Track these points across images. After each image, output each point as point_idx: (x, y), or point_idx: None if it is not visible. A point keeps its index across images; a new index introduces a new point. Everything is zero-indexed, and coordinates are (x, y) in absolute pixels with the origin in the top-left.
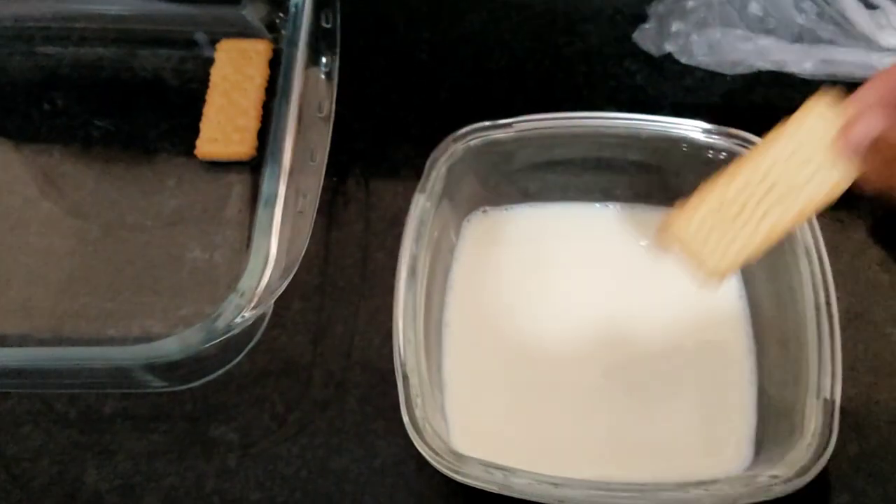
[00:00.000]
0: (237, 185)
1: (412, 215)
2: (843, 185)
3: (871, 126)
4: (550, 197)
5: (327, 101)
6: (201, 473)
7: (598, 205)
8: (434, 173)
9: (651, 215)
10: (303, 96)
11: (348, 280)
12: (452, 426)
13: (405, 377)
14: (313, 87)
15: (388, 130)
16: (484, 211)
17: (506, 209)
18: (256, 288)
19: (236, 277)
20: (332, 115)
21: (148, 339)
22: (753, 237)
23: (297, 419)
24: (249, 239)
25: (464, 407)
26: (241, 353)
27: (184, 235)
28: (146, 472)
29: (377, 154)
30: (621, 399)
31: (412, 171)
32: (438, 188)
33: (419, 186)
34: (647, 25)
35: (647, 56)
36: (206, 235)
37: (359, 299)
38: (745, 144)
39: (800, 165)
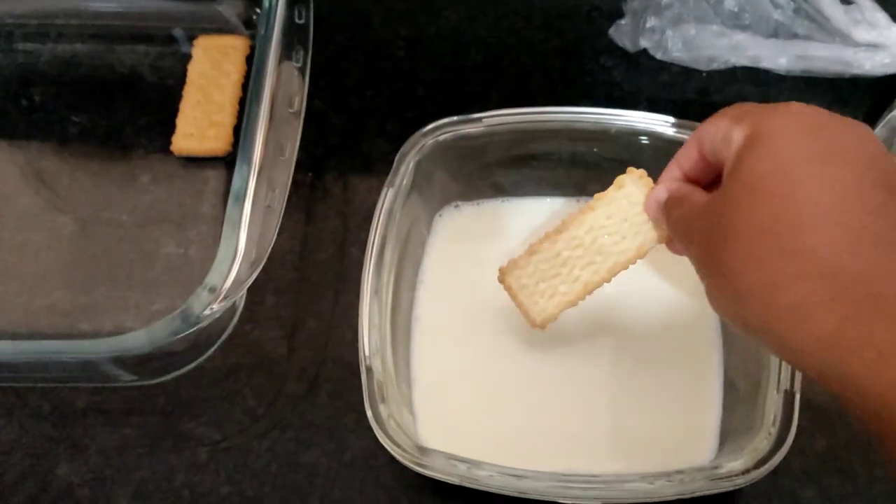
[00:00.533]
0: (212, 180)
1: (379, 210)
2: (647, 247)
3: (660, 192)
4: (524, 192)
5: (299, 97)
6: (172, 467)
7: (571, 199)
8: (403, 168)
9: None
10: (275, 92)
11: (322, 275)
12: (420, 420)
13: (368, 370)
14: (286, 82)
15: (365, 126)
16: (456, 206)
17: (478, 204)
18: (224, 281)
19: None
20: (304, 110)
21: (120, 333)
22: (570, 293)
23: (268, 414)
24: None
25: (431, 401)
26: (212, 347)
27: (158, 231)
28: (117, 465)
29: (353, 149)
30: (589, 392)
31: (387, 167)
32: (407, 183)
33: (388, 181)
34: (622, 21)
35: (622, 52)
36: (180, 231)
37: (333, 294)
38: None
39: (615, 228)
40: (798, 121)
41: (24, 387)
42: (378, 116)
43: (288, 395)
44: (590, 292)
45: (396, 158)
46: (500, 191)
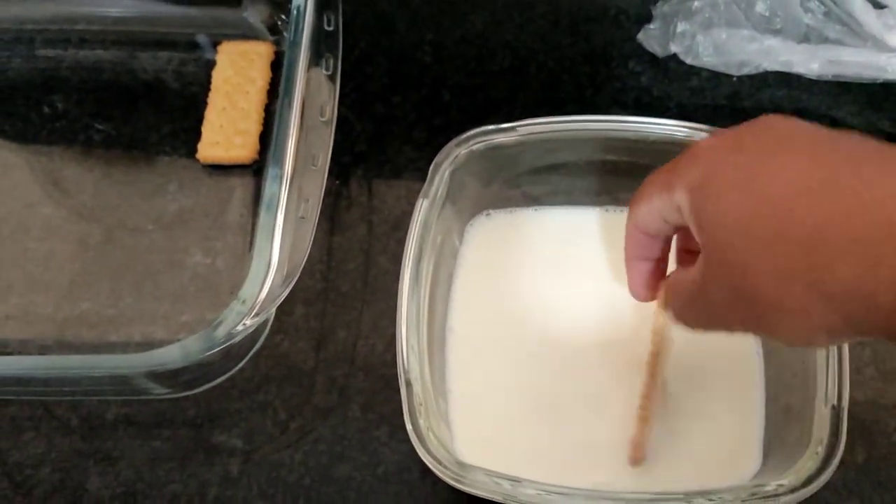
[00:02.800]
0: (239, 188)
1: (415, 220)
2: (663, 330)
3: (636, 290)
4: (555, 200)
5: (329, 105)
6: (204, 481)
7: (603, 208)
8: (437, 178)
9: None
10: (305, 99)
11: (351, 285)
12: (456, 434)
13: (408, 385)
14: (315, 90)
15: (390, 132)
16: (487, 214)
17: (509, 212)
18: (258, 295)
19: (238, 283)
20: (335, 118)
21: (150, 345)
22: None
23: (299, 426)
24: (251, 244)
25: (468, 414)
26: (243, 359)
27: (185, 240)
28: (149, 479)
29: (379, 156)
30: (628, 406)
31: (415, 174)
32: (442, 193)
33: (422, 191)
34: (651, 26)
35: (651, 57)
36: (207, 240)
37: (361, 304)
38: None
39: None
40: (717, 155)
41: (53, 400)
42: (404, 123)
43: (319, 407)
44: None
45: (431, 169)
46: (531, 199)
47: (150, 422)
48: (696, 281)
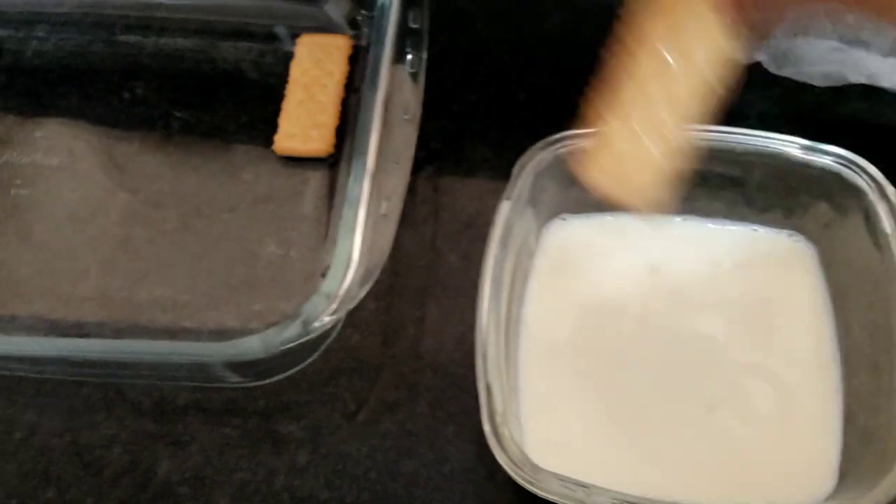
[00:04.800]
0: (313, 181)
1: (497, 222)
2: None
3: None
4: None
5: (413, 104)
6: (272, 469)
7: (682, 217)
8: (521, 180)
9: (733, 233)
10: (388, 97)
11: (421, 281)
12: (527, 436)
13: (488, 389)
14: (399, 87)
15: (466, 130)
16: (563, 218)
17: (586, 217)
18: (339, 290)
19: (311, 275)
20: (419, 117)
21: (222, 332)
22: (667, 141)
23: (367, 419)
24: (326, 237)
25: (539, 415)
26: (316, 351)
27: (259, 230)
28: (217, 465)
29: (454, 154)
30: (702, 418)
31: (488, 173)
32: (525, 195)
33: (505, 193)
34: None
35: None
36: (281, 231)
37: (432, 301)
38: (846, 163)
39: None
40: None
41: (127, 383)
42: (480, 121)
43: (387, 402)
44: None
45: (514, 170)
46: (606, 206)
47: (221, 409)
48: None
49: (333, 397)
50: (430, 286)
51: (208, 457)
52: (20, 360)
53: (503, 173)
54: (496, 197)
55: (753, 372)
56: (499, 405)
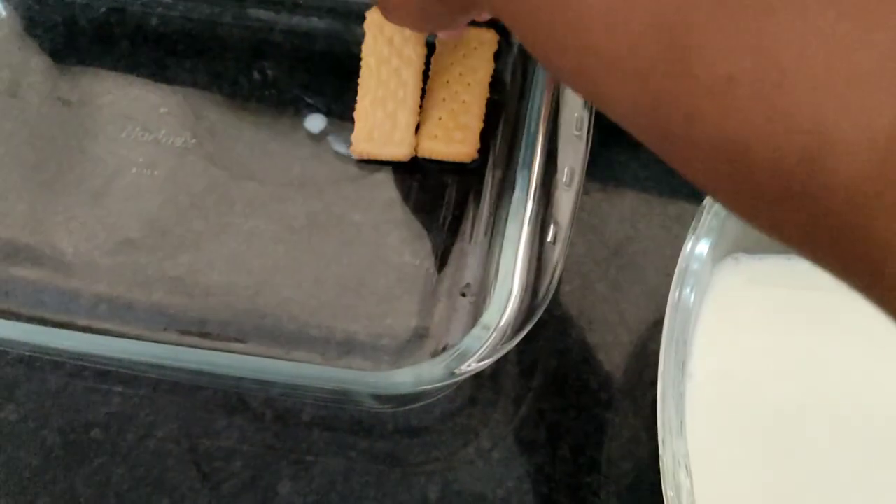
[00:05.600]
0: (453, 187)
1: (682, 265)
2: None
3: None
4: None
5: (586, 118)
6: (401, 503)
7: None
8: (708, 216)
9: None
10: (554, 108)
11: (565, 310)
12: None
13: (674, 458)
14: (568, 97)
15: (618, 147)
16: (735, 258)
17: (760, 258)
18: (498, 326)
19: (449, 292)
20: (591, 133)
21: (351, 344)
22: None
23: (503, 458)
24: (467, 254)
25: (710, 480)
26: (456, 384)
27: (393, 237)
28: (342, 491)
29: (604, 172)
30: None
31: (641, 194)
32: (712, 234)
33: (692, 227)
34: None
35: None
36: (417, 240)
37: (577, 332)
38: None
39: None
40: None
41: (251, 392)
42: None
43: (525, 441)
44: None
45: (704, 206)
46: (782, 247)
47: (347, 429)
48: None
49: (467, 429)
50: (576, 317)
51: (333, 481)
52: (139, 364)
53: (656, 194)
54: (649, 221)
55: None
56: (682, 472)
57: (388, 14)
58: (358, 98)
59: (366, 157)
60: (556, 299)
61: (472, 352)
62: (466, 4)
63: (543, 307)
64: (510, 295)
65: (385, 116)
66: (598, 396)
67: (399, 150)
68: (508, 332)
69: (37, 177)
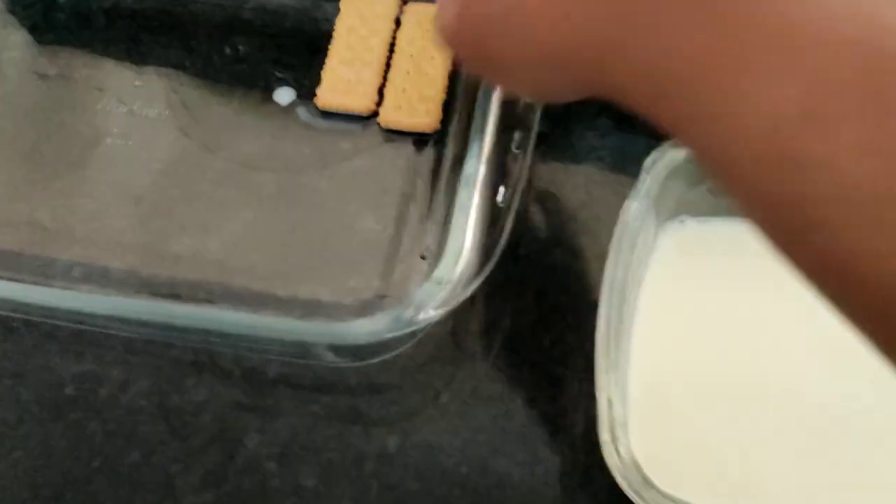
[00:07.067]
0: (416, 157)
1: (622, 222)
2: None
3: None
4: None
5: None
6: (360, 453)
7: None
8: (649, 179)
9: None
10: None
11: (524, 273)
12: (635, 448)
13: (610, 402)
14: None
15: (574, 116)
16: (681, 220)
17: (704, 221)
18: (450, 278)
19: (409, 255)
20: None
21: (316, 305)
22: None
23: (459, 411)
24: (427, 218)
25: (646, 430)
26: (416, 337)
27: (357, 203)
28: (305, 443)
29: (561, 141)
30: (821, 447)
31: (596, 164)
32: (651, 195)
33: (632, 192)
34: None
35: None
36: (380, 207)
37: (535, 295)
38: None
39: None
40: None
41: (218, 350)
42: (590, 108)
43: (483, 396)
44: None
45: (643, 168)
46: (728, 209)
47: (311, 385)
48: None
49: (426, 385)
50: (535, 279)
51: (296, 434)
52: (111, 318)
53: (610, 164)
54: (603, 189)
55: (882, 398)
56: (619, 415)
57: (496, 73)
58: (327, 60)
59: (329, 108)
60: (514, 263)
61: (424, 304)
62: (599, 92)
63: (492, 263)
64: (461, 251)
65: (351, 73)
66: (552, 353)
67: (362, 102)
68: (460, 286)
69: (16, 148)
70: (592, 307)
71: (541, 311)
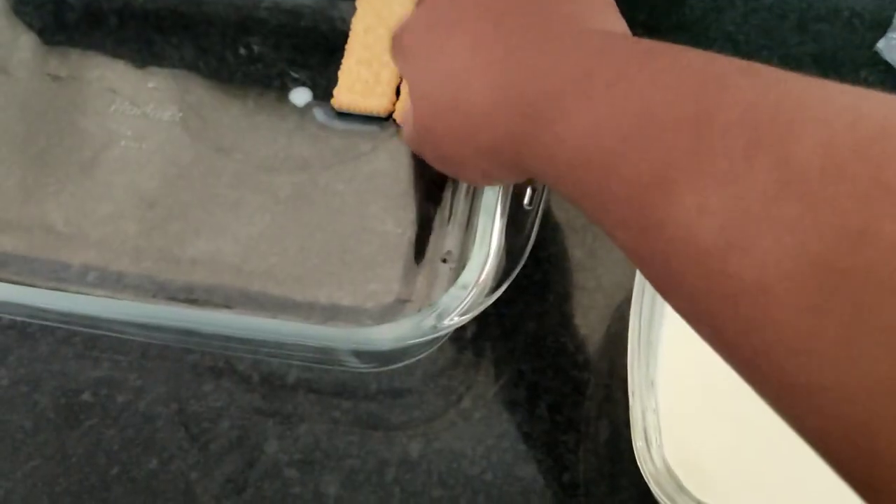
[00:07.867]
0: None
1: None
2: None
3: None
4: None
5: None
6: (383, 460)
7: None
8: None
9: None
10: None
11: (544, 275)
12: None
13: (643, 408)
14: None
15: None
16: None
17: None
18: (477, 281)
19: (431, 259)
20: None
21: (335, 309)
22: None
23: (483, 417)
24: (448, 221)
25: (678, 436)
26: (439, 342)
27: (377, 206)
28: (327, 449)
29: None
30: None
31: None
32: None
33: None
34: (893, 34)
35: (887, 67)
36: (399, 209)
37: (554, 297)
38: None
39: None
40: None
41: (237, 354)
42: None
43: (504, 401)
44: None
45: None
46: None
47: (331, 391)
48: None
49: (448, 390)
50: (555, 281)
51: (318, 440)
52: (128, 324)
53: None
54: None
55: None
56: (652, 422)
57: (452, 170)
58: (343, 60)
59: (346, 109)
60: (535, 265)
61: (450, 309)
62: (526, 174)
63: (519, 267)
64: (487, 256)
65: (369, 73)
66: (575, 358)
67: (380, 102)
68: (485, 291)
69: (27, 150)
70: (616, 310)
71: (563, 315)
